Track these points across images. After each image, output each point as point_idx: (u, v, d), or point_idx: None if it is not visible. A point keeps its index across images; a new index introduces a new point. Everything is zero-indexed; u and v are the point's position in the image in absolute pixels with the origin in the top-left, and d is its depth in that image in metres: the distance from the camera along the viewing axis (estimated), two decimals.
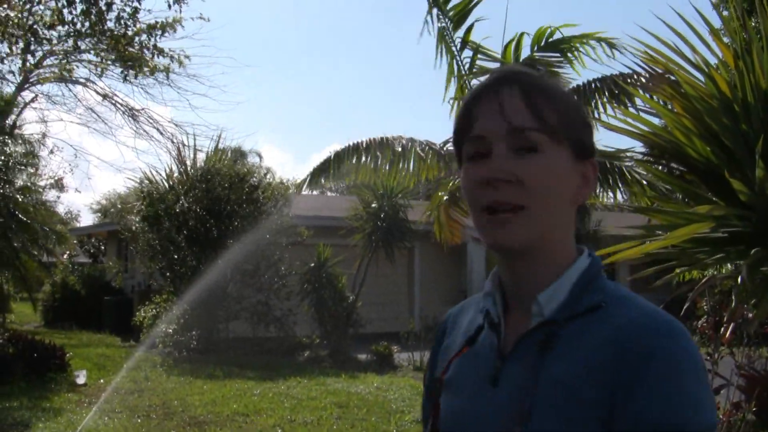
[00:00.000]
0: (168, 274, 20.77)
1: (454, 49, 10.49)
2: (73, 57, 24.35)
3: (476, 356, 1.66)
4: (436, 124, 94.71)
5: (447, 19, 10.33)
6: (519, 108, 1.53)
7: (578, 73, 10.53)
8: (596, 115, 10.12)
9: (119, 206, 33.14)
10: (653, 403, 1.37)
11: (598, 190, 10.71)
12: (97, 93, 27.33)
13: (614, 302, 1.52)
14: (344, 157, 13.36)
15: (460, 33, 10.37)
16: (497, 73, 1.63)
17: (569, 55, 10.14)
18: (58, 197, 36.70)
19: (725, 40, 5.11)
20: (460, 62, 10.56)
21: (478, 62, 10.46)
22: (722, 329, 6.97)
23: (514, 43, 10.04)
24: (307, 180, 14.53)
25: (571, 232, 1.62)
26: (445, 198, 12.11)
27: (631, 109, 9.15)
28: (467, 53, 10.53)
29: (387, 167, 12.84)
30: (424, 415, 1.84)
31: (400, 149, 12.68)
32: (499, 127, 1.54)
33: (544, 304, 1.55)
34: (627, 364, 1.40)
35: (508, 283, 1.65)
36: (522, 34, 10.07)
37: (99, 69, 24.26)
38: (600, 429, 1.40)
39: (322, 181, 14.60)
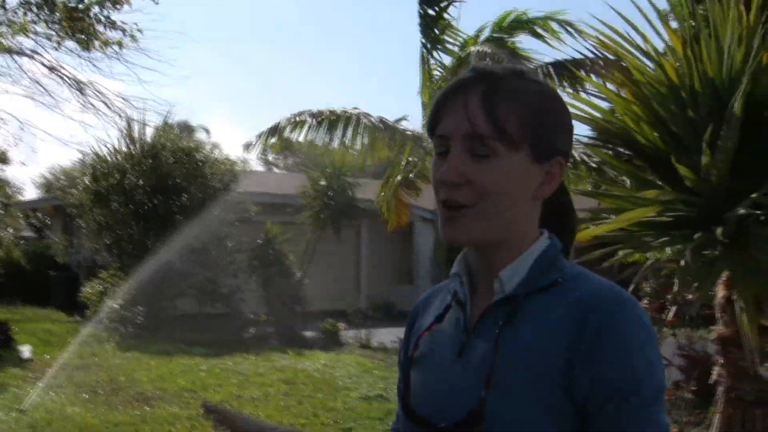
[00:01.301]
0: (115, 249, 20.64)
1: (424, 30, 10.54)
2: (22, 27, 24.05)
3: (444, 333, 1.76)
4: (391, 103, 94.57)
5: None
6: (478, 113, 1.61)
7: (550, 44, 10.62)
8: None
9: (65, 181, 32.84)
10: (610, 367, 1.49)
11: None
12: (44, 65, 27.00)
13: (571, 279, 1.63)
14: (294, 125, 13.25)
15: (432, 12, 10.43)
16: (467, 73, 1.70)
17: (530, 33, 10.26)
18: (2, 170, 36.25)
19: (674, 26, 5.21)
20: (430, 42, 10.63)
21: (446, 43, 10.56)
22: (666, 311, 7.13)
23: (482, 30, 10.16)
24: (254, 143, 14.33)
25: (534, 222, 1.72)
26: (398, 179, 12.16)
27: (582, 94, 9.27)
28: (437, 32, 10.62)
29: (337, 142, 12.81)
30: (399, 392, 1.91)
31: (352, 122, 12.64)
32: (457, 129, 1.62)
33: (506, 281, 1.65)
34: (584, 333, 1.51)
35: (475, 266, 1.75)
36: (488, 23, 10.19)
37: (51, 40, 23.96)
38: (559, 394, 1.52)
39: (272, 145, 14.36)
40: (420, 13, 10.75)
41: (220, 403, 10.41)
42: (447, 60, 11.28)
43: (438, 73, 10.99)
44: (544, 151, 1.65)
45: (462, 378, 1.64)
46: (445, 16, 10.56)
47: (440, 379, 1.70)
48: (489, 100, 1.62)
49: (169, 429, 9.07)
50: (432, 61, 10.82)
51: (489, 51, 9.91)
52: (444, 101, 1.67)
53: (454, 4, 10.47)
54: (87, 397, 10.82)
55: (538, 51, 10.50)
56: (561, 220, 1.81)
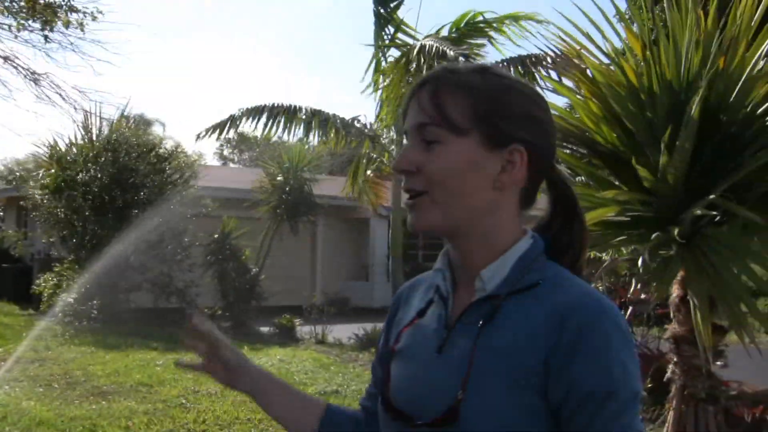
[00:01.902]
0: (70, 242, 20.50)
1: (378, 26, 10.58)
2: None
3: (425, 328, 1.79)
4: (349, 99, 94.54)
5: None
6: (425, 104, 1.70)
7: (500, 50, 10.73)
8: None
9: (19, 173, 32.48)
10: (587, 370, 1.52)
11: None
12: None
13: (552, 281, 1.66)
14: (248, 116, 13.22)
15: (386, 10, 10.48)
16: (425, 74, 1.78)
17: (490, 34, 10.33)
18: None
19: (634, 27, 5.28)
20: (383, 38, 10.67)
21: (399, 40, 10.62)
22: (622, 310, 7.22)
23: (437, 28, 10.24)
24: (207, 132, 14.23)
25: (506, 215, 1.73)
26: (365, 166, 12.17)
27: (540, 91, 9.36)
28: (391, 30, 10.66)
29: (292, 137, 12.84)
30: (374, 377, 2.02)
31: (308, 117, 12.66)
32: (412, 123, 1.71)
33: (487, 280, 1.68)
34: (562, 337, 1.54)
35: (455, 261, 1.79)
36: (447, 24, 10.26)
37: (8, 30, 23.70)
38: (535, 396, 1.55)
39: (228, 151, 14.41)
40: (374, 11, 10.78)
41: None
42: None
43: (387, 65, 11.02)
44: (495, 138, 1.68)
45: (440, 375, 1.68)
46: (398, 15, 10.61)
47: (419, 375, 1.73)
48: (435, 92, 1.69)
49: (126, 423, 9.04)
50: (383, 59, 10.86)
51: (435, 45, 9.94)
52: (407, 101, 1.75)
53: (404, 3, 10.53)
54: (42, 391, 10.75)
55: (490, 51, 10.49)
56: (568, 214, 1.83)
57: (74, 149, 20.94)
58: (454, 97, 1.68)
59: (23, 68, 28.03)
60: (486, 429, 1.56)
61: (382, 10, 10.51)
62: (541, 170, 1.76)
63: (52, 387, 11.04)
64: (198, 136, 15.31)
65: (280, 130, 12.75)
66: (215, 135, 14.39)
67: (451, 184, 1.67)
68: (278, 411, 2.02)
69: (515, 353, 1.58)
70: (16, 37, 22.09)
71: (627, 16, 5.29)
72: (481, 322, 1.65)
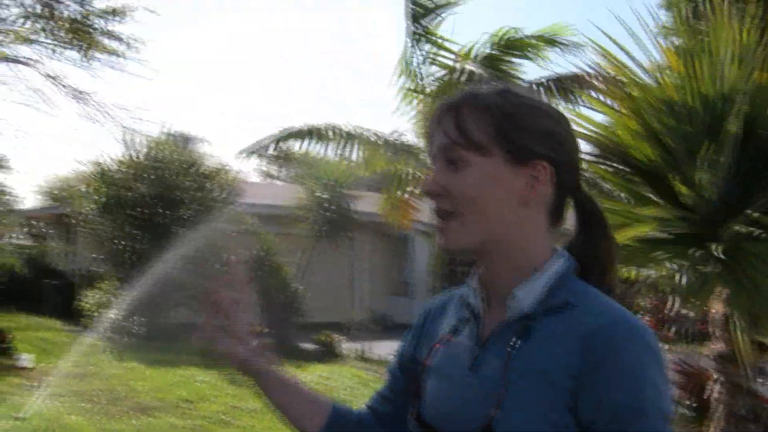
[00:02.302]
0: (113, 259, 20.64)
1: (415, 43, 10.60)
2: (21, 34, 24.10)
3: (458, 345, 1.81)
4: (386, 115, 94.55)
5: (419, 8, 10.42)
6: (447, 126, 1.73)
7: (540, 65, 10.67)
8: None
9: (66, 190, 32.79)
10: (617, 390, 1.54)
11: None
12: (44, 74, 27.04)
13: (585, 301, 1.68)
14: (290, 138, 13.27)
15: (422, 28, 10.49)
16: (447, 99, 1.81)
17: (528, 52, 10.31)
18: (4, 178, 36.28)
19: (674, 41, 5.26)
20: (418, 54, 10.68)
21: (438, 57, 10.62)
22: (663, 327, 7.17)
23: (474, 45, 10.24)
24: (251, 154, 14.30)
25: (534, 231, 1.75)
26: (402, 177, 12.17)
27: (579, 109, 9.34)
28: (428, 47, 10.67)
29: (334, 155, 12.85)
30: (392, 381, 2.05)
31: (349, 136, 12.69)
32: (437, 145, 1.75)
33: (521, 299, 1.70)
34: (594, 355, 1.56)
35: (485, 280, 1.80)
36: (483, 35, 10.26)
37: (48, 50, 24.02)
38: (566, 414, 1.56)
39: (270, 166, 14.48)
40: (409, 28, 10.78)
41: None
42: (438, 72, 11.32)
43: (430, 87, 11.01)
44: (518, 155, 1.71)
45: (472, 392, 1.69)
46: (435, 31, 10.61)
47: (451, 391, 1.75)
48: (458, 113, 1.73)
49: None
50: (419, 74, 10.86)
51: (476, 71, 9.96)
52: (430, 126, 1.79)
53: (443, 13, 10.49)
54: (85, 406, 10.84)
55: (529, 69, 10.46)
56: (595, 233, 1.84)
57: (118, 167, 21.12)
58: (476, 117, 1.71)
59: (68, 87, 28.45)
60: None
61: (418, 27, 10.52)
62: (566, 187, 1.78)
63: (94, 402, 11.13)
64: (239, 156, 15.42)
65: (319, 148, 12.76)
66: (257, 155, 14.47)
67: (478, 203, 1.69)
68: (286, 406, 2.02)
69: (548, 372, 1.60)
70: (52, 58, 22.39)
71: (666, 29, 5.25)
72: (513, 341, 1.67)
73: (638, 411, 1.53)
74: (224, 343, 2.03)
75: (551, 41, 10.24)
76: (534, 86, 10.46)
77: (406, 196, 12.70)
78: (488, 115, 1.71)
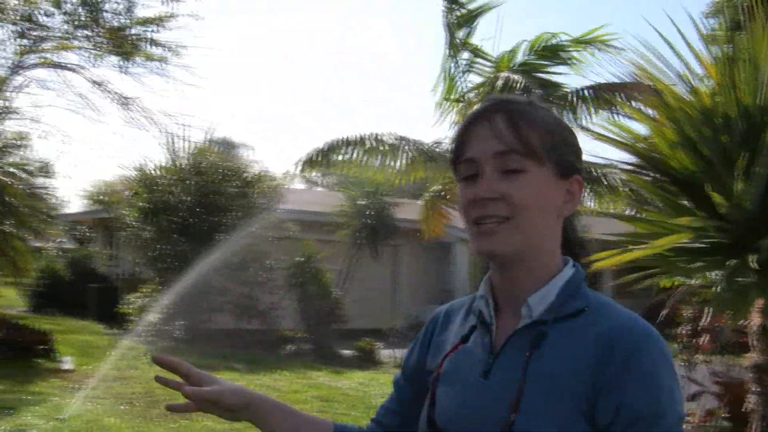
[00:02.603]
0: (155, 263, 20.81)
1: (453, 50, 10.61)
2: (67, 43, 24.39)
3: (469, 353, 1.82)
4: (425, 126, 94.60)
5: (455, 19, 10.42)
6: (505, 133, 1.71)
7: (579, 72, 10.61)
8: (584, 123, 10.22)
9: (109, 194, 33.10)
10: (636, 394, 1.56)
11: (585, 197, 10.86)
12: (89, 80, 27.32)
13: (596, 308, 1.71)
14: (334, 150, 13.36)
15: (461, 35, 10.49)
16: (487, 102, 1.81)
17: (565, 58, 10.28)
18: (47, 182, 36.68)
19: (714, 50, 5.22)
20: (456, 64, 10.68)
21: (475, 68, 10.62)
22: (699, 337, 7.13)
23: (511, 51, 10.21)
24: (296, 170, 14.44)
25: (558, 242, 1.80)
26: (436, 188, 12.18)
27: (617, 118, 9.29)
28: (466, 55, 10.67)
29: (376, 163, 12.89)
30: (397, 393, 2.04)
31: (389, 146, 12.73)
32: (487, 151, 1.72)
33: (534, 306, 1.72)
34: (612, 360, 1.59)
35: (500, 287, 1.82)
36: (523, 41, 10.25)
37: (92, 57, 24.29)
38: (581, 420, 1.59)
39: (313, 171, 14.57)
40: (447, 38, 10.77)
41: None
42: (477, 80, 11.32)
43: (471, 94, 11.00)
44: (564, 167, 1.75)
45: (487, 399, 1.71)
46: (470, 41, 10.61)
47: (466, 399, 1.76)
48: (513, 121, 1.73)
49: None
50: (459, 82, 10.85)
51: (518, 78, 9.95)
52: (468, 129, 1.77)
53: (478, 22, 10.46)
54: (125, 408, 10.94)
55: (567, 75, 10.40)
56: (573, 249, 1.88)
57: (162, 173, 21.31)
58: (531, 127, 1.73)
59: (113, 93, 28.74)
60: None
61: (455, 38, 10.52)
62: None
63: (134, 405, 11.23)
64: (288, 174, 15.62)
65: (362, 157, 12.81)
66: (302, 170, 14.57)
67: (533, 212, 1.71)
68: None
69: (564, 378, 1.62)
70: (94, 65, 22.66)
71: (708, 39, 5.20)
72: (529, 348, 1.68)
73: (657, 415, 1.56)
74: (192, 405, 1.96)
75: (589, 42, 10.17)
76: (574, 95, 10.41)
77: (440, 204, 12.68)
78: (540, 126, 1.74)
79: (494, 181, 1.71)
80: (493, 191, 1.70)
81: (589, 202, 10.91)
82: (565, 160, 1.76)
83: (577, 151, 1.81)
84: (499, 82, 10.28)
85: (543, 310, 1.72)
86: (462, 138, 1.79)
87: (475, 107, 1.83)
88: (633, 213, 6.74)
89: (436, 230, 12.96)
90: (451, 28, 10.37)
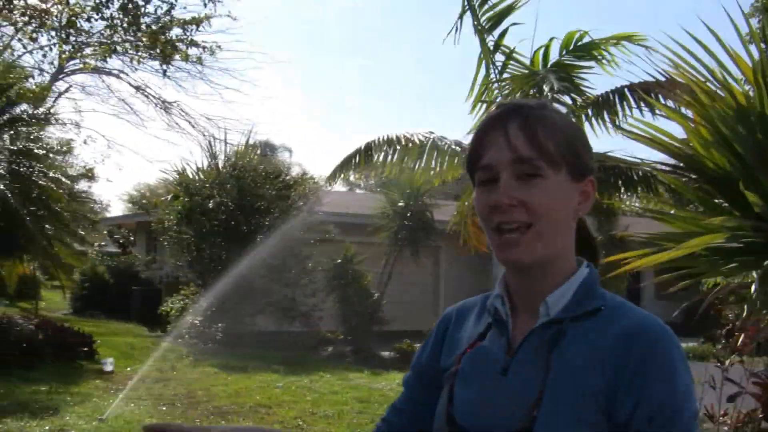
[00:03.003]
0: (196, 266, 20.97)
1: (486, 51, 10.57)
2: (108, 48, 24.66)
3: (486, 351, 1.85)
4: (464, 126, 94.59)
5: (485, 21, 10.40)
6: (521, 139, 1.73)
7: (610, 73, 10.53)
8: (618, 123, 10.14)
9: (150, 198, 33.38)
10: (654, 392, 1.60)
11: (623, 196, 10.81)
12: (131, 85, 27.64)
13: (613, 307, 1.75)
14: (371, 151, 13.35)
15: (493, 37, 10.45)
16: (502, 107, 1.83)
17: (598, 56, 10.23)
18: (89, 187, 37.05)
19: (752, 48, 5.17)
20: (494, 66, 10.65)
21: (509, 68, 10.57)
22: (734, 337, 7.07)
23: (542, 49, 10.17)
24: (334, 173, 14.49)
25: (572, 242, 1.83)
26: (469, 203, 12.15)
27: (650, 118, 9.26)
28: (499, 57, 10.63)
29: (413, 164, 12.87)
30: (408, 393, 2.08)
31: (427, 146, 12.71)
32: (504, 156, 1.74)
33: (552, 305, 1.75)
34: (630, 357, 1.63)
35: (516, 288, 1.85)
36: (551, 39, 10.19)
37: (134, 61, 24.55)
38: (600, 417, 1.62)
39: (350, 175, 14.60)
40: (482, 42, 10.73)
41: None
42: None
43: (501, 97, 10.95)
44: (579, 170, 1.78)
45: (507, 397, 1.73)
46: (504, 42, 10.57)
47: (485, 395, 1.78)
48: (528, 126, 1.75)
49: None
50: (492, 86, 10.80)
51: (553, 79, 9.91)
52: (484, 136, 1.79)
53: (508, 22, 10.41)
54: (165, 409, 11.04)
55: (599, 75, 10.30)
56: (588, 249, 1.92)
57: (201, 175, 21.46)
58: (544, 132, 1.75)
59: (154, 97, 29.06)
60: None
61: (488, 40, 10.50)
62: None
63: (174, 406, 11.34)
64: (328, 182, 15.61)
65: (401, 159, 12.80)
66: (341, 175, 14.60)
67: (552, 216, 1.74)
68: None
69: (583, 375, 1.65)
70: (135, 70, 22.93)
71: (745, 38, 5.16)
72: (548, 345, 1.71)
73: (675, 410, 1.59)
74: None
75: (621, 39, 10.09)
76: (610, 94, 10.33)
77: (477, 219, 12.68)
78: (555, 130, 1.76)
79: (513, 188, 1.72)
80: (512, 197, 1.72)
81: (634, 203, 10.84)
82: (580, 162, 1.78)
83: (590, 151, 1.84)
84: (530, 83, 10.26)
85: (560, 309, 1.75)
86: (478, 145, 1.80)
87: (490, 113, 1.84)
88: (668, 213, 6.70)
89: (480, 245, 12.81)
90: (481, 29, 10.35)
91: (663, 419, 1.58)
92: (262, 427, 1.82)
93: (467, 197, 12.26)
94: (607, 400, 1.62)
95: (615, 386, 1.62)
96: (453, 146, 12.58)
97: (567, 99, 10.49)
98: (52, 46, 23.77)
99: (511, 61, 10.61)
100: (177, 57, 23.20)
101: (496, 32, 10.38)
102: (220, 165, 21.61)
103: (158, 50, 22.40)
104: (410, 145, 12.76)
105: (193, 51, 23.62)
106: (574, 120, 1.87)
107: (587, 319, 1.73)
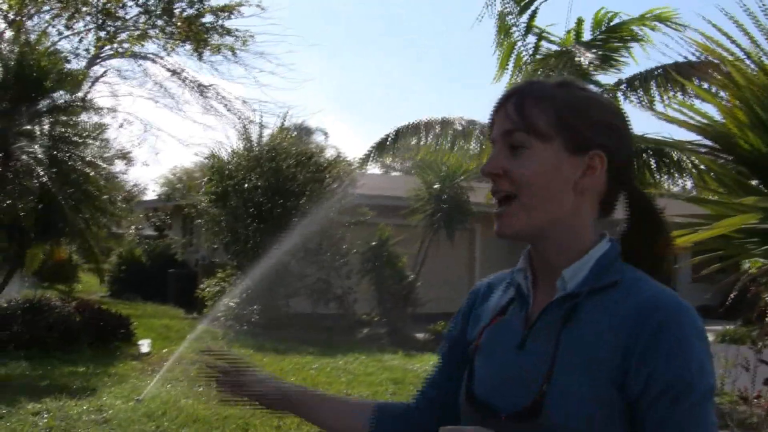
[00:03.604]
0: (232, 249, 21.07)
1: (517, 33, 10.56)
2: (143, 33, 24.80)
3: (506, 325, 1.89)
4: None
5: (512, 3, 10.38)
6: (512, 113, 1.80)
7: (635, 60, 10.47)
8: (652, 105, 10.09)
9: (185, 182, 33.56)
10: (666, 365, 1.61)
11: (658, 178, 10.73)
12: (166, 69, 27.77)
13: (630, 281, 1.75)
14: (405, 134, 13.37)
15: (524, 18, 10.44)
16: (508, 88, 1.89)
17: (628, 38, 10.18)
18: (126, 171, 37.31)
19: None
20: (525, 47, 10.63)
21: (540, 49, 10.56)
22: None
23: (573, 31, 10.12)
24: (369, 155, 14.50)
25: (586, 219, 1.83)
26: None
27: (683, 98, 9.18)
28: (531, 39, 10.62)
29: (448, 148, 12.88)
30: (443, 364, 2.13)
31: (460, 129, 12.72)
32: (499, 131, 1.82)
33: (568, 279, 1.78)
34: (643, 331, 1.63)
35: (536, 261, 1.89)
36: (582, 20, 10.15)
37: (168, 47, 24.68)
38: (613, 390, 1.64)
39: (385, 158, 14.61)
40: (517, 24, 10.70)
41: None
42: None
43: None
44: (577, 143, 1.79)
45: (522, 370, 1.77)
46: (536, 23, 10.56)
47: (501, 370, 1.83)
48: (520, 102, 1.81)
49: (278, 423, 9.27)
50: (525, 68, 10.79)
51: (583, 57, 9.87)
52: (493, 114, 1.87)
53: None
54: (200, 390, 11.13)
55: (625, 57, 10.25)
56: (650, 228, 1.90)
57: (236, 158, 21.53)
58: (538, 106, 1.80)
59: (190, 81, 29.19)
60: (567, 420, 1.64)
61: (520, 23, 10.48)
62: (620, 179, 1.86)
63: (209, 387, 11.39)
64: (362, 164, 15.61)
65: (435, 143, 12.82)
66: (376, 155, 14.61)
67: (536, 187, 1.77)
68: (324, 420, 2.14)
69: (595, 348, 1.67)
70: (169, 54, 23.09)
71: None
72: (562, 320, 1.73)
73: (687, 384, 1.60)
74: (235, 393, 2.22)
75: (652, 19, 10.01)
76: (642, 76, 10.28)
77: None
78: (550, 104, 1.80)
79: (500, 158, 1.80)
80: (495, 167, 1.80)
81: (667, 183, 10.76)
82: (579, 135, 1.79)
83: (602, 126, 1.83)
84: (561, 63, 10.23)
85: (577, 283, 1.77)
86: (490, 123, 1.88)
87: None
88: (701, 194, 6.66)
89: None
90: (510, 12, 10.33)
91: (674, 394, 1.59)
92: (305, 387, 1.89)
93: None
94: (620, 374, 1.64)
95: (627, 361, 1.63)
96: (484, 129, 12.56)
97: (601, 79, 10.46)
98: (88, 32, 23.94)
99: (543, 42, 10.59)
100: (208, 49, 23.30)
101: (526, 16, 10.37)
102: (255, 147, 21.65)
103: (191, 39, 22.52)
104: (444, 129, 12.78)
105: (226, 40, 23.70)
106: (604, 96, 1.86)
107: (603, 293, 1.74)
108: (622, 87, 10.43)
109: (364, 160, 14.83)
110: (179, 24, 22.02)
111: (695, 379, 1.60)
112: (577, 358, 1.67)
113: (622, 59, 10.33)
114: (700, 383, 1.61)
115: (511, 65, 10.75)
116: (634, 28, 10.16)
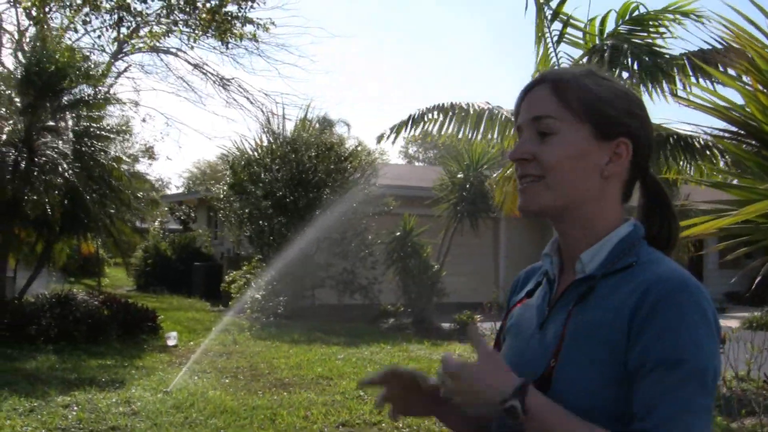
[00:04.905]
0: (256, 241, 21.14)
1: (546, 21, 10.56)
2: (165, 27, 24.86)
3: (532, 307, 1.97)
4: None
5: None
6: (540, 101, 1.85)
7: (662, 46, 10.46)
8: (675, 92, 10.05)
9: (210, 175, 33.67)
10: (657, 339, 1.63)
11: (682, 164, 10.66)
12: (188, 63, 27.85)
13: (645, 262, 1.79)
14: (425, 117, 13.29)
15: (553, 4, 10.45)
16: (536, 76, 1.94)
17: (652, 30, 10.17)
18: (150, 165, 37.48)
19: None
20: (550, 35, 10.63)
21: (567, 36, 10.55)
22: None
23: (598, 18, 10.11)
24: (383, 134, 14.33)
25: (610, 204, 1.88)
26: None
27: (707, 84, 9.15)
28: (557, 26, 10.62)
29: (470, 134, 12.82)
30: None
31: (484, 116, 12.66)
32: (526, 117, 1.87)
33: (586, 262, 1.84)
34: (642, 307, 1.67)
35: (562, 245, 1.94)
36: (609, 11, 10.15)
37: (191, 40, 24.73)
38: (619, 366, 1.67)
39: (403, 139, 14.38)
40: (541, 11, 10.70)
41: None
42: (573, 53, 11.27)
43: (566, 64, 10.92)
44: (606, 129, 1.84)
45: (538, 348, 1.84)
46: (564, 10, 10.54)
47: (521, 349, 1.91)
48: (550, 89, 1.86)
49: (305, 413, 9.31)
50: (552, 56, 10.79)
51: (619, 44, 9.89)
52: (519, 102, 1.93)
53: None
54: (228, 381, 11.19)
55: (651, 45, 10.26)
56: (663, 213, 1.95)
57: (259, 151, 21.58)
58: (567, 93, 1.84)
59: (212, 74, 29.26)
60: (574, 395, 1.69)
61: (546, 8, 10.47)
62: (640, 165, 1.91)
63: (237, 378, 11.48)
64: (378, 139, 15.44)
65: (456, 128, 12.74)
66: (394, 136, 14.51)
67: (564, 171, 1.82)
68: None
69: (602, 327, 1.72)
70: (192, 48, 23.12)
71: None
72: (575, 301, 1.79)
73: (676, 360, 1.62)
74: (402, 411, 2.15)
75: (675, 11, 9.99)
76: (671, 63, 10.22)
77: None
78: (580, 93, 1.84)
79: (528, 144, 1.85)
80: (523, 152, 1.86)
81: (687, 169, 10.70)
82: (608, 123, 1.83)
83: (627, 115, 1.86)
84: (589, 52, 10.25)
85: (596, 266, 1.82)
86: (516, 110, 1.94)
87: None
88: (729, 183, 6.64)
89: (515, 209, 12.78)
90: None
91: (666, 367, 1.61)
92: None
93: (511, 164, 12.21)
94: (623, 351, 1.67)
95: (629, 335, 1.67)
96: (510, 116, 12.51)
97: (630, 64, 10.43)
98: (107, 28, 24.03)
99: (569, 28, 10.58)
100: (231, 38, 23.34)
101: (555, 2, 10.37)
102: (278, 139, 21.69)
103: (214, 27, 22.56)
104: (465, 113, 12.71)
105: (248, 29, 23.75)
106: (627, 87, 1.90)
107: (618, 275, 1.78)
108: (644, 72, 10.38)
109: (382, 138, 14.57)
110: (203, 16, 22.05)
111: (688, 356, 1.61)
112: (584, 337, 1.73)
113: (649, 49, 10.29)
114: (693, 361, 1.61)
115: (540, 51, 10.75)
116: (657, 20, 10.14)
